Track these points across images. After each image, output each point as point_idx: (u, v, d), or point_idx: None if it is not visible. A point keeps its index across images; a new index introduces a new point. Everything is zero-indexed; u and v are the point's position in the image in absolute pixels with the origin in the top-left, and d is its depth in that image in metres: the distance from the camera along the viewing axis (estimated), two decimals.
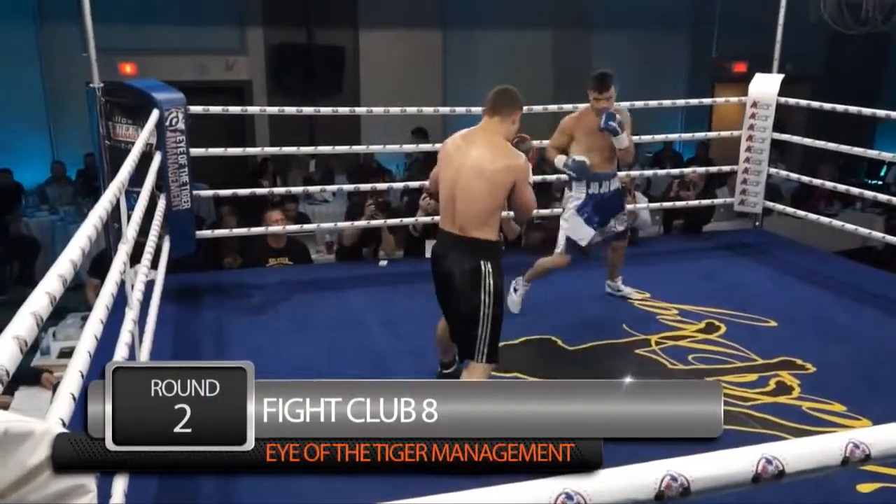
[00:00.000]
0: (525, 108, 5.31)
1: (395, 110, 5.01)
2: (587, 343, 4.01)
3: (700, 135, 6.78)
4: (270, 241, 5.27)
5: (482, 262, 2.88)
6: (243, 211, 6.18)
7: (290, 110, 5.09)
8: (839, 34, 8.37)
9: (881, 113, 5.18)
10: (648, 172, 6.87)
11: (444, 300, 3.08)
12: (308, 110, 5.20)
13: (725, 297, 4.54)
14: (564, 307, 4.56)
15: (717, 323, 4.26)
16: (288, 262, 5.28)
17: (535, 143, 3.58)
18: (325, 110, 5.19)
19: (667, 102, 5.93)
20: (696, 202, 5.98)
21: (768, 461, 0.85)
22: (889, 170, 9.18)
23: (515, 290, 4.35)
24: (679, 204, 5.89)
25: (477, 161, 2.87)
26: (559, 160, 4.24)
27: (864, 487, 2.73)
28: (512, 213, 3.18)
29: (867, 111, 5.07)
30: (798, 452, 0.88)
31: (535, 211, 3.16)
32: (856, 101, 5.38)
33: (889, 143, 11.11)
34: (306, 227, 5.72)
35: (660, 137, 6.49)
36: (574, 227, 4.31)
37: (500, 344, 3.63)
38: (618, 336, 4.12)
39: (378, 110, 5.07)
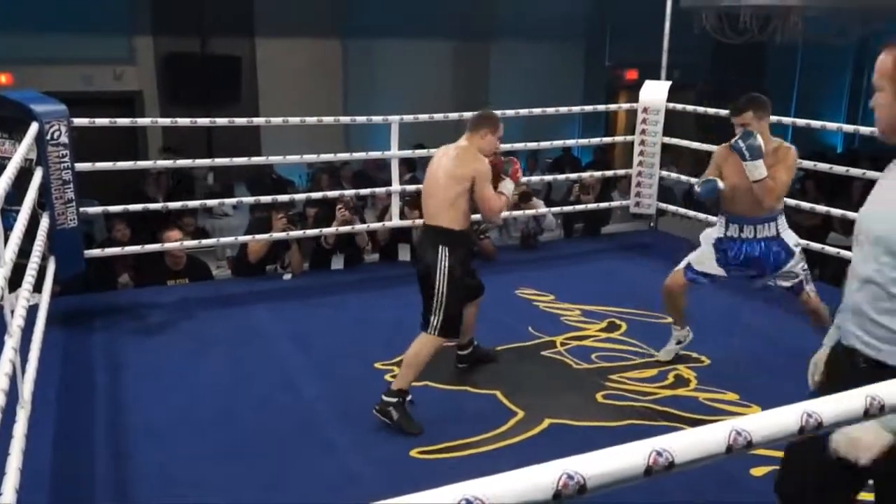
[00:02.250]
0: (425, 116, 5.39)
1: (294, 120, 4.93)
2: (495, 347, 4.05)
3: (595, 140, 7.02)
4: (168, 263, 5.08)
5: (441, 247, 3.28)
6: (139, 228, 5.95)
7: (184, 121, 4.93)
8: (722, 43, 8.83)
9: None
10: (549, 177, 7.03)
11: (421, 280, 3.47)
12: (203, 121, 5.05)
13: (625, 296, 4.70)
14: None
15: (618, 322, 4.39)
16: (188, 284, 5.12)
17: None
18: (221, 121, 5.05)
19: (563, 109, 6.09)
20: (594, 205, 6.16)
21: (658, 454, 0.87)
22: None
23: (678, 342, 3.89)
24: (578, 207, 6.05)
25: (446, 163, 3.34)
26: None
27: (757, 471, 2.86)
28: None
29: None
30: (686, 443, 0.91)
31: (501, 213, 3.53)
32: None
33: None
34: (205, 241, 5.55)
35: (558, 143, 6.65)
36: (701, 256, 3.73)
37: None
38: (524, 339, 4.18)
39: (277, 120, 4.97)
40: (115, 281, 5.30)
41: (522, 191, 5.89)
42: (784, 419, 1.02)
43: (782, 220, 3.58)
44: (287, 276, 5.20)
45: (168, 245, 4.88)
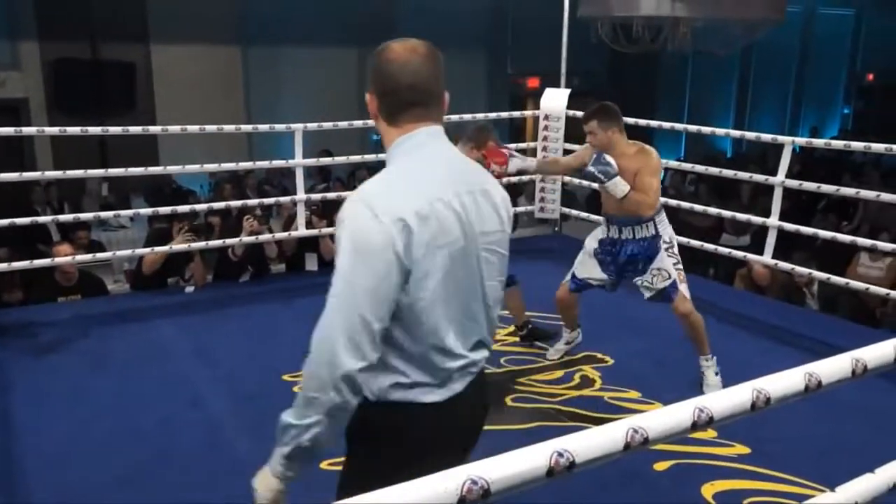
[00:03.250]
0: (329, 124, 5.34)
1: (193, 128, 4.77)
2: None
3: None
4: (59, 279, 4.82)
5: None
6: (21, 243, 5.64)
7: (74, 130, 4.68)
8: (619, 52, 9.15)
9: (654, 123, 5.71)
10: None
11: None
12: (95, 130, 4.82)
13: (532, 300, 4.76)
14: None
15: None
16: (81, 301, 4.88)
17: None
18: (115, 130, 4.83)
19: (468, 117, 6.16)
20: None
21: (560, 454, 0.90)
22: (666, 174, 10.16)
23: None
24: None
25: None
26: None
27: (660, 466, 2.98)
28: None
29: (643, 122, 5.55)
30: (585, 443, 0.94)
31: None
32: (636, 112, 5.90)
33: (666, 150, 12.31)
34: (100, 255, 5.30)
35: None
36: (582, 264, 3.81)
37: None
38: None
39: (175, 129, 4.81)
40: (0, 297, 5.01)
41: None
42: (678, 415, 1.07)
43: (661, 218, 3.60)
44: (190, 289, 5.03)
45: (59, 260, 4.65)
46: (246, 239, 5.03)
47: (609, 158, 3.42)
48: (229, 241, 5.06)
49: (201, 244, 4.95)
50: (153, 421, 3.35)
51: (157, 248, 4.95)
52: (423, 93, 1.61)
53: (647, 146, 3.56)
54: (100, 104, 8.94)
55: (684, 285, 3.55)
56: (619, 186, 3.40)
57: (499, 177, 3.62)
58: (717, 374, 3.60)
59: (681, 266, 3.58)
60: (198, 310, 4.74)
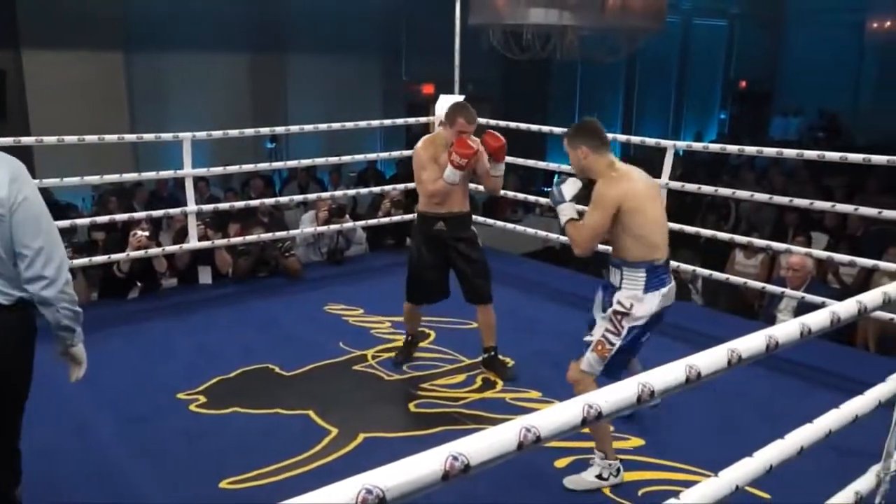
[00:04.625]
0: (220, 132, 5.20)
1: (71, 139, 4.53)
2: (306, 366, 3.99)
3: (396, 153, 7.13)
4: None
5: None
6: None
7: None
8: (511, 59, 9.35)
9: (546, 129, 5.86)
10: (352, 192, 7.05)
11: None
12: None
13: (432, 306, 4.80)
14: (276, 332, 4.50)
15: (427, 331, 4.48)
16: None
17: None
18: None
19: (363, 123, 6.15)
20: (399, 218, 6.25)
21: (455, 458, 0.91)
22: (560, 178, 10.45)
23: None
24: (384, 221, 6.11)
25: None
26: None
27: (560, 462, 3.06)
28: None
29: (535, 128, 5.70)
30: (479, 445, 0.96)
31: (430, 188, 3.71)
32: (529, 118, 6.05)
33: (558, 154, 12.66)
34: None
35: (360, 157, 6.70)
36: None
37: (216, 379, 3.82)
38: (335, 355, 4.15)
39: (50, 139, 4.54)
40: None
41: (332, 206, 5.86)
42: (568, 412, 1.10)
43: (632, 275, 2.82)
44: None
45: None
46: (134, 254, 4.82)
47: (569, 180, 2.99)
48: (114, 256, 4.83)
49: (84, 261, 4.70)
50: (33, 451, 3.13)
51: None
52: None
53: (632, 171, 2.90)
54: None
55: (596, 358, 2.88)
56: (562, 213, 2.94)
57: (459, 168, 3.54)
58: (599, 477, 2.90)
59: (616, 341, 2.84)
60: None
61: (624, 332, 2.83)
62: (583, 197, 3.01)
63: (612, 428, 3.04)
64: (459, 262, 3.83)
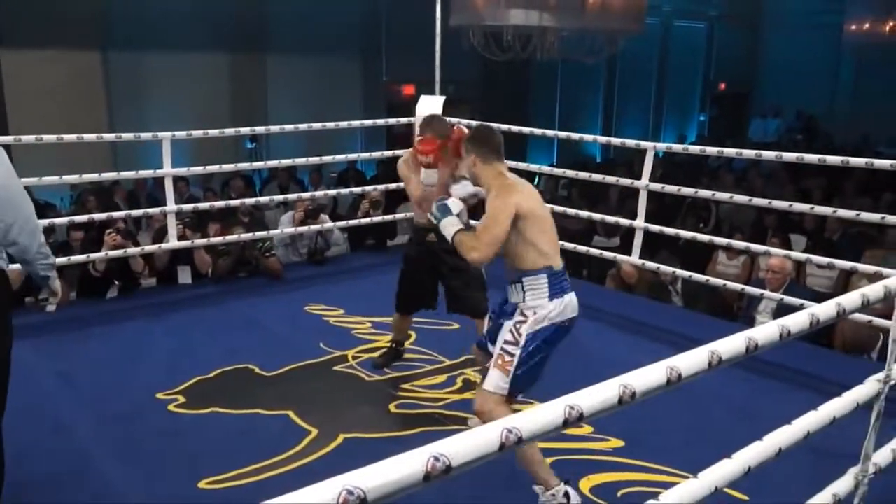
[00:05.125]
0: (200, 132, 5.17)
1: (49, 138, 4.49)
2: (286, 367, 3.97)
3: (377, 154, 7.12)
4: None
5: None
6: None
7: None
8: (492, 60, 9.36)
9: (527, 130, 5.88)
10: (333, 192, 7.02)
11: None
12: None
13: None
14: (256, 332, 4.47)
15: (408, 332, 4.46)
16: None
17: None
18: None
19: (343, 124, 6.13)
20: (380, 218, 6.24)
21: (436, 459, 0.91)
22: (540, 179, 10.49)
23: None
24: (364, 221, 6.10)
25: None
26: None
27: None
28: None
29: (517, 129, 5.71)
30: (461, 447, 0.96)
31: (415, 195, 3.71)
32: (510, 119, 6.05)
33: (539, 156, 12.71)
34: None
35: (340, 158, 6.67)
36: None
37: (196, 379, 3.81)
38: (315, 356, 4.14)
39: (29, 138, 4.49)
40: None
41: (308, 207, 5.83)
42: (550, 413, 1.10)
43: (534, 283, 2.70)
44: (51, 308, 4.72)
45: None
46: (112, 253, 4.77)
47: (455, 201, 2.87)
48: (92, 255, 4.78)
49: (62, 259, 4.64)
50: (12, 452, 3.10)
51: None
52: None
53: (521, 182, 2.85)
54: None
55: (499, 374, 2.68)
56: (447, 228, 2.78)
57: (427, 166, 3.55)
58: None
59: (515, 351, 2.66)
60: (59, 330, 4.46)
61: (523, 341, 2.65)
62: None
63: (540, 456, 2.72)
64: (448, 274, 3.72)
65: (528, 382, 2.74)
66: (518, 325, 2.69)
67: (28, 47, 8.83)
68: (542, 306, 2.68)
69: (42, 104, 8.67)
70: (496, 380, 2.69)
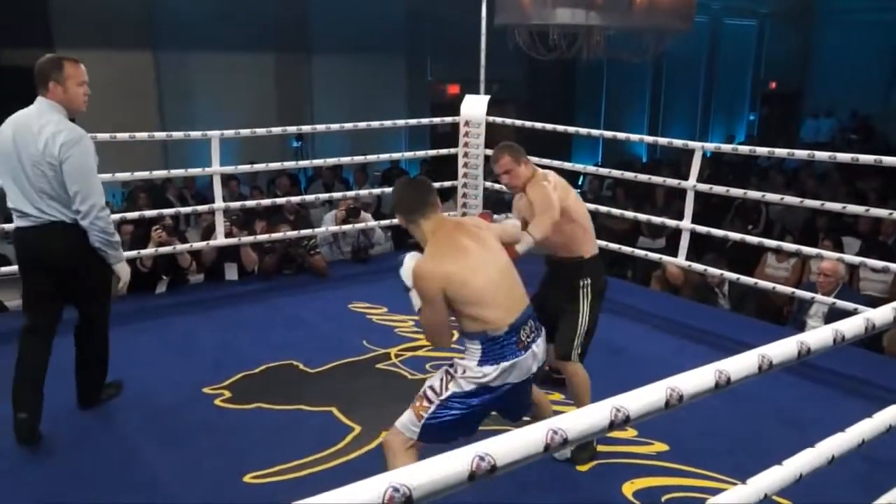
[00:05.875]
0: (248, 131, 5.24)
1: (103, 136, 4.61)
2: (329, 364, 4.00)
3: (421, 153, 7.15)
4: None
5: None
6: None
7: None
8: (537, 59, 9.31)
9: (571, 130, 5.84)
10: (377, 191, 7.06)
11: None
12: None
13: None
14: (301, 329, 4.52)
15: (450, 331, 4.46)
16: None
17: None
18: None
19: (388, 123, 6.16)
20: None
21: (481, 458, 0.90)
22: (585, 179, 10.40)
23: None
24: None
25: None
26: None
27: (582, 466, 3.04)
28: None
29: (562, 128, 5.67)
30: (506, 446, 0.95)
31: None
32: (554, 119, 6.01)
33: (583, 154, 12.61)
34: (3, 269, 5.03)
35: (385, 157, 6.71)
36: None
37: (241, 375, 3.86)
38: (358, 353, 4.16)
39: None
40: None
41: (349, 206, 5.88)
42: (596, 415, 1.09)
43: (469, 346, 2.50)
44: None
45: None
46: (162, 250, 4.88)
47: (406, 263, 2.57)
48: (141, 252, 4.89)
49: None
50: (66, 440, 3.21)
51: None
52: None
53: (462, 225, 2.66)
54: (3, 111, 8.51)
55: (411, 417, 2.52)
56: (413, 302, 2.55)
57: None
58: None
59: (434, 400, 2.49)
60: (110, 323, 4.56)
61: (444, 396, 2.46)
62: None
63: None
64: (553, 309, 3.26)
65: (447, 435, 2.45)
66: (448, 379, 2.50)
67: (82, 48, 9.06)
68: (471, 369, 2.45)
69: (95, 103, 8.87)
70: (406, 421, 2.51)
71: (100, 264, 3.21)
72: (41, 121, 3.12)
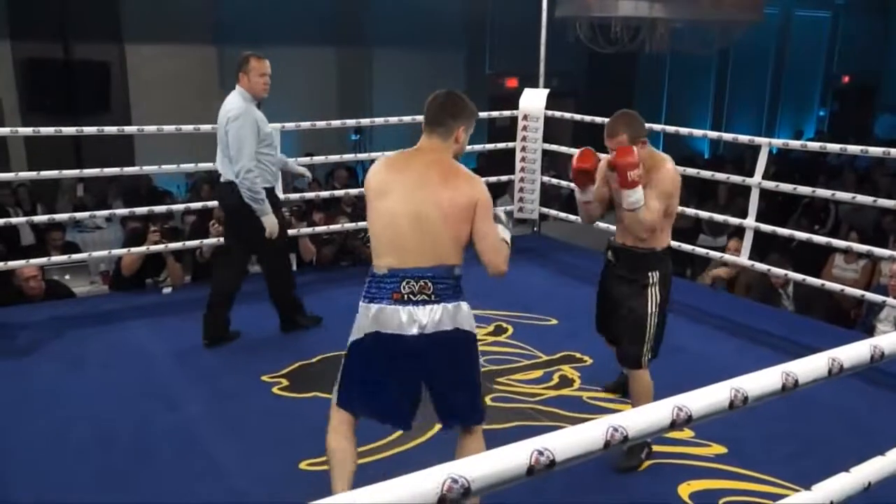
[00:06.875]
0: (308, 123, 5.32)
1: (169, 128, 4.74)
2: None
3: (479, 147, 7.13)
4: (26, 291, 4.72)
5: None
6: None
7: (48, 131, 4.62)
8: (597, 52, 9.19)
9: None
10: None
11: None
12: (69, 131, 4.76)
13: (511, 300, 4.78)
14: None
15: (504, 325, 4.46)
16: None
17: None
18: (89, 130, 4.77)
19: None
20: None
21: (540, 453, 0.89)
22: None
23: None
24: None
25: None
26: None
27: (642, 466, 2.99)
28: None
29: None
30: (566, 442, 0.94)
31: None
32: (613, 112, 5.90)
33: None
34: (75, 256, 5.22)
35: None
36: None
37: (298, 364, 3.92)
38: None
39: (150, 129, 4.76)
40: None
41: None
42: (658, 413, 1.07)
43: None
44: (167, 290, 4.99)
45: (27, 271, 4.59)
46: (213, 241, 4.99)
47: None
48: (197, 242, 5.02)
49: (177, 245, 4.90)
50: (130, 423, 3.32)
51: (133, 249, 4.89)
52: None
53: (420, 151, 2.71)
54: (74, 104, 8.83)
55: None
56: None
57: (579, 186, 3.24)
58: None
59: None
60: (175, 311, 4.69)
61: (348, 345, 2.42)
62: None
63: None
64: (614, 305, 3.19)
65: (357, 398, 2.47)
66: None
67: (149, 42, 9.35)
68: (360, 309, 2.37)
69: (161, 96, 9.16)
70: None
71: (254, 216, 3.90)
72: (228, 102, 3.98)
